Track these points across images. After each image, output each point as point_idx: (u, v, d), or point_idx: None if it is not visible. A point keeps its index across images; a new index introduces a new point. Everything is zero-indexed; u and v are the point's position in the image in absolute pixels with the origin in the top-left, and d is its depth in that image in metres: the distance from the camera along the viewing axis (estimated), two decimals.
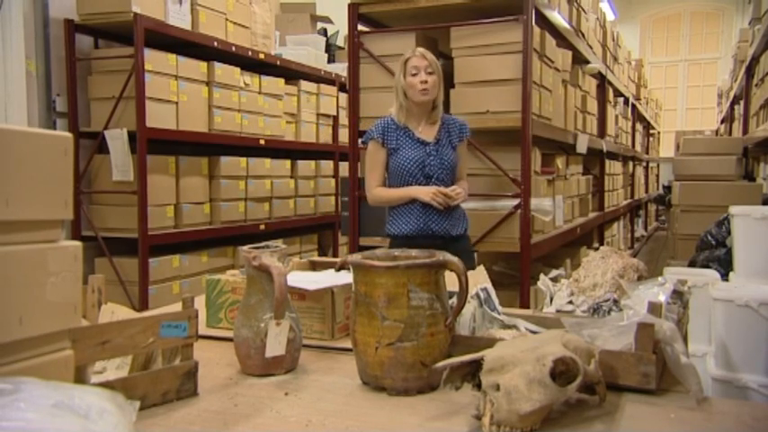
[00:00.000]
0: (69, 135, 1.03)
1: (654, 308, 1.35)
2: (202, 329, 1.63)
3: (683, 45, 14.69)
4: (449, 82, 3.61)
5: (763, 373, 1.98)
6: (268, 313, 1.42)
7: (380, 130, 2.84)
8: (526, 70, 3.37)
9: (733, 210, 2.38)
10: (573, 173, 5.05)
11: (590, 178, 5.86)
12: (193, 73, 4.35)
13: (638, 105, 9.29)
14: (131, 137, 3.94)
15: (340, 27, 6.62)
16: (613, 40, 6.96)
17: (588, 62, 5.36)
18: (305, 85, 5.70)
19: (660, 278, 1.64)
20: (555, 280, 2.00)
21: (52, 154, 0.99)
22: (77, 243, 1.03)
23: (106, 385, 1.12)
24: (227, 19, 4.67)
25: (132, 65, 3.90)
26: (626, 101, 8.06)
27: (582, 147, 4.75)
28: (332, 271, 1.88)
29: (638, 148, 9.80)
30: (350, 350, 1.43)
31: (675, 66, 14.78)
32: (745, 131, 7.16)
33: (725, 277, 2.50)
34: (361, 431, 1.16)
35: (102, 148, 4.05)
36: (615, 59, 7.04)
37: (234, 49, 4.68)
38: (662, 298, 1.49)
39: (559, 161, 4.45)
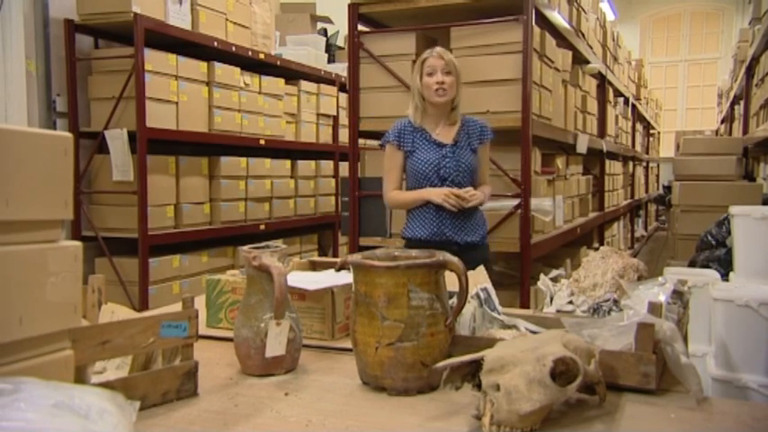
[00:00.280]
0: (69, 135, 1.03)
1: (654, 308, 1.35)
2: (202, 329, 1.63)
3: (683, 45, 14.69)
4: None
5: (763, 373, 1.98)
6: (268, 313, 1.42)
7: (396, 132, 2.80)
8: (526, 70, 3.37)
9: (733, 210, 2.37)
10: (573, 173, 5.06)
11: (590, 178, 5.86)
12: (193, 73, 4.35)
13: (638, 105, 9.29)
14: (131, 137, 3.94)
15: (340, 27, 6.62)
16: (613, 40, 6.96)
17: (588, 62, 5.36)
18: (305, 85, 5.70)
19: (660, 278, 1.64)
20: (555, 280, 2.00)
21: (52, 154, 0.99)
22: (77, 243, 1.03)
23: (106, 385, 1.12)
24: (227, 19, 4.67)
25: (132, 65, 3.90)
26: (626, 101, 8.07)
27: (582, 147, 4.75)
28: (332, 271, 1.88)
29: (639, 148, 9.80)
30: (350, 350, 1.43)
31: (675, 66, 14.78)
32: (746, 131, 7.16)
33: (725, 277, 2.50)
34: (361, 431, 1.16)
35: (103, 148, 4.05)
36: (615, 59, 7.05)
37: (234, 49, 4.68)
38: (662, 298, 1.48)
39: (559, 161, 4.45)
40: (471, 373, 1.18)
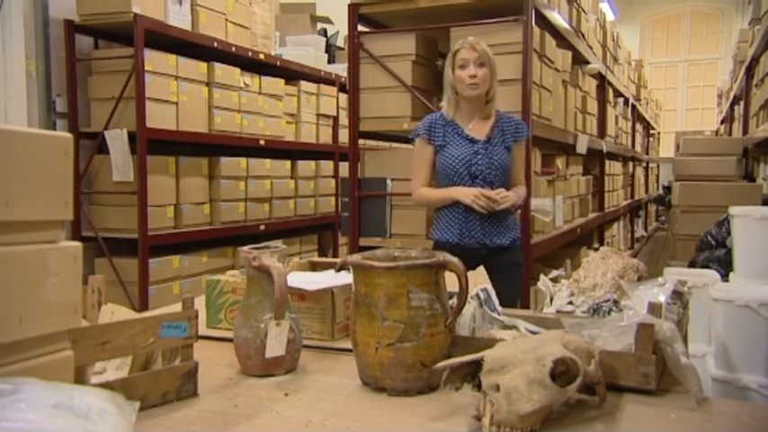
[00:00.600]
0: (69, 135, 1.03)
1: (654, 308, 1.35)
2: (202, 330, 1.63)
3: (683, 45, 14.70)
4: None
5: (762, 373, 1.98)
6: (268, 314, 1.42)
7: (427, 126, 2.69)
8: (526, 71, 3.37)
9: (733, 210, 2.38)
10: (573, 173, 5.06)
11: (590, 179, 5.87)
12: (193, 73, 4.35)
13: (637, 106, 9.29)
14: (131, 137, 3.94)
15: (340, 27, 6.62)
16: (613, 40, 6.97)
17: (588, 62, 5.36)
18: (305, 85, 5.70)
19: (660, 278, 1.64)
20: (555, 280, 2.00)
21: (52, 154, 0.99)
22: (77, 243, 1.03)
23: (106, 386, 1.12)
24: (227, 19, 4.67)
25: (132, 65, 3.90)
26: (626, 101, 8.07)
27: (582, 147, 4.75)
28: (332, 271, 1.88)
29: (638, 148, 9.80)
30: (350, 351, 1.43)
31: (675, 66, 14.79)
32: (745, 132, 7.16)
33: (725, 278, 2.50)
34: (360, 431, 1.16)
35: (103, 148, 4.05)
36: (615, 60, 7.05)
37: (234, 49, 4.68)
38: (662, 298, 1.49)
39: (559, 161, 4.45)
40: (471, 374, 1.18)
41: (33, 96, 3.95)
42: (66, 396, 0.82)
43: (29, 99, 3.91)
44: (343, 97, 5.64)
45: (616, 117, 7.12)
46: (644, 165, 11.14)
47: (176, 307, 1.43)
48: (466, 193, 2.56)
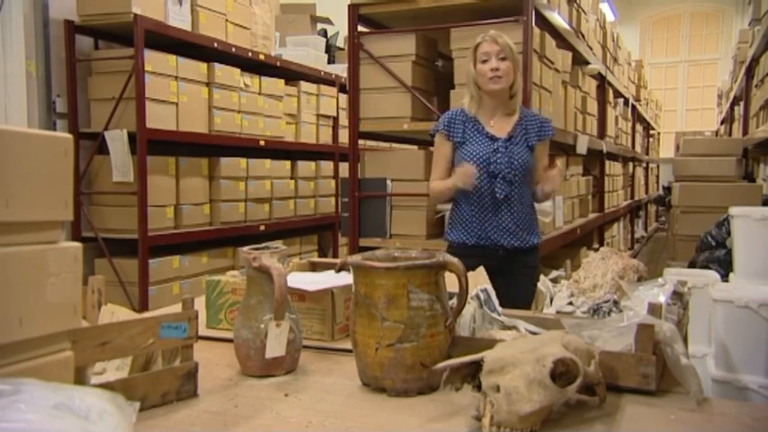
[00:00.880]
0: (69, 136, 1.03)
1: (654, 309, 1.35)
2: (202, 330, 1.63)
3: (683, 46, 14.70)
4: (449, 83, 3.62)
5: (763, 373, 1.98)
6: (268, 314, 1.42)
7: (446, 121, 2.63)
8: (526, 71, 3.37)
9: (733, 211, 2.38)
10: (573, 174, 5.06)
11: (590, 179, 5.87)
12: (193, 74, 4.35)
13: (637, 106, 9.30)
14: (131, 138, 3.94)
15: (340, 28, 6.62)
16: (613, 40, 6.97)
17: (588, 63, 5.37)
18: (305, 85, 5.70)
19: (660, 279, 1.64)
20: (555, 281, 2.00)
21: (52, 155, 0.99)
22: (77, 244, 1.03)
23: (106, 386, 1.12)
24: (227, 20, 4.67)
25: (132, 66, 3.90)
26: (626, 102, 8.07)
27: (582, 148, 4.75)
28: (332, 272, 1.88)
29: (638, 148, 9.81)
30: (350, 351, 1.43)
31: (675, 67, 14.80)
32: (745, 132, 7.16)
33: (725, 278, 2.50)
34: None
35: (102, 148, 4.05)
36: (615, 60, 7.05)
37: (234, 49, 4.68)
38: (662, 299, 1.49)
39: (559, 162, 4.45)
40: (471, 374, 1.18)
41: (33, 97, 3.95)
42: (66, 396, 0.82)
43: (29, 99, 3.91)
44: (343, 98, 5.64)
45: (616, 117, 7.12)
46: (644, 165, 11.15)
47: (176, 307, 1.43)
48: (460, 175, 2.49)
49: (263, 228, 5.03)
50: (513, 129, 2.59)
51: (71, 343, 1.03)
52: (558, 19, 4.09)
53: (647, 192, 11.37)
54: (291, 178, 5.55)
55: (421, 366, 1.30)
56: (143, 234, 3.94)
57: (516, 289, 2.05)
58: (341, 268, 1.46)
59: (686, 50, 14.68)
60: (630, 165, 9.07)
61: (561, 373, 1.14)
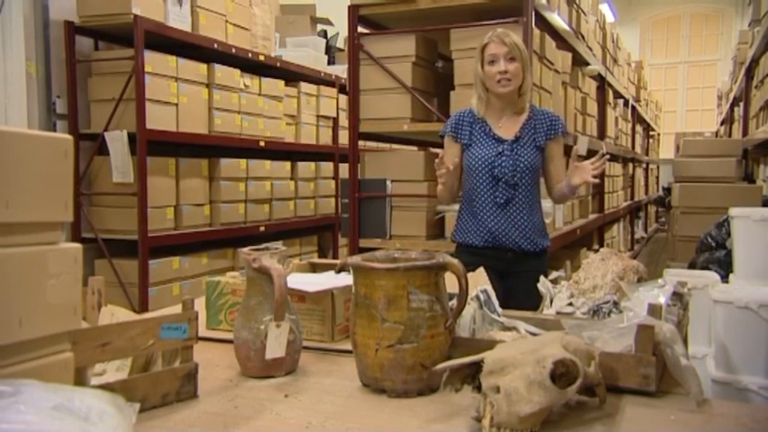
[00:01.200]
0: (69, 137, 1.03)
1: (654, 310, 1.35)
2: (202, 331, 1.63)
3: (683, 47, 14.71)
4: (449, 84, 3.62)
5: (763, 374, 1.97)
6: (268, 315, 1.42)
7: (454, 123, 2.60)
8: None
9: (733, 211, 2.37)
10: None
11: None
12: (193, 75, 4.35)
13: (637, 107, 9.30)
14: (131, 138, 3.94)
15: (340, 29, 6.63)
16: (613, 41, 6.97)
17: (588, 64, 5.37)
18: (305, 86, 5.70)
19: (660, 280, 1.64)
20: (555, 282, 2.00)
21: (52, 156, 1.00)
22: (77, 245, 1.03)
23: (106, 387, 1.12)
24: (226, 21, 4.67)
25: (132, 66, 3.90)
26: (626, 102, 8.07)
27: (582, 148, 4.75)
28: (332, 273, 1.88)
29: (638, 149, 9.81)
30: (350, 352, 1.43)
31: (675, 67, 14.81)
32: (745, 133, 7.16)
33: (725, 279, 2.50)
34: None
35: (102, 149, 4.05)
36: (615, 61, 7.05)
37: (234, 50, 4.68)
38: (662, 300, 1.48)
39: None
40: (471, 375, 1.18)
41: (33, 98, 3.96)
42: (66, 398, 0.82)
43: (29, 100, 3.91)
44: (343, 98, 5.65)
45: (616, 118, 7.12)
46: (644, 166, 11.15)
47: (176, 308, 1.43)
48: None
49: (262, 228, 5.03)
50: (520, 129, 2.55)
51: (71, 344, 1.03)
52: (558, 20, 4.09)
53: (646, 193, 11.37)
54: (291, 179, 5.56)
55: (421, 367, 1.30)
56: (143, 235, 3.94)
57: (524, 292, 2.03)
58: (341, 269, 1.46)
59: (686, 51, 14.69)
60: (630, 165, 9.07)
61: (561, 374, 1.14)
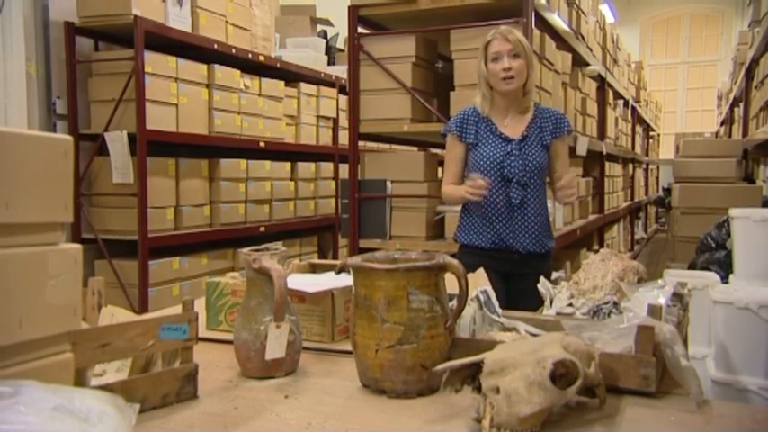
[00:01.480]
0: (69, 138, 1.03)
1: (654, 310, 1.35)
2: (202, 332, 1.63)
3: (683, 47, 14.72)
4: (449, 84, 3.62)
5: (763, 375, 1.98)
6: (268, 315, 1.42)
7: (458, 121, 2.54)
8: None
9: (733, 212, 2.37)
10: (573, 175, 5.04)
11: (590, 180, 5.86)
12: (193, 75, 4.36)
13: (637, 107, 9.30)
14: (131, 139, 3.95)
15: (340, 29, 6.63)
16: (613, 42, 6.97)
17: (588, 64, 5.37)
18: (305, 87, 5.70)
19: (660, 280, 1.64)
20: (555, 282, 2.00)
21: (52, 157, 1.00)
22: (77, 246, 1.03)
23: (106, 388, 1.12)
24: (226, 21, 4.67)
25: (132, 67, 3.90)
26: (626, 103, 8.08)
27: (582, 149, 4.75)
28: (332, 273, 1.88)
29: (638, 150, 9.81)
30: (350, 353, 1.43)
31: (675, 68, 14.81)
32: (745, 134, 7.17)
33: (725, 280, 2.50)
34: None
35: (103, 150, 4.05)
36: (615, 62, 7.05)
37: (234, 51, 4.68)
38: (662, 300, 1.48)
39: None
40: (471, 376, 1.18)
41: (33, 98, 3.96)
42: (65, 398, 0.82)
43: (29, 101, 3.91)
44: (343, 99, 5.65)
45: (616, 119, 7.12)
46: (644, 166, 11.15)
47: (176, 309, 1.43)
48: (462, 191, 2.40)
49: (263, 229, 5.03)
50: (527, 128, 2.51)
51: (71, 345, 1.03)
52: (558, 20, 4.09)
53: (646, 193, 11.38)
54: (291, 179, 5.56)
55: (421, 368, 1.30)
56: (143, 235, 3.94)
57: (529, 295, 2.02)
58: (341, 270, 1.46)
59: (686, 52, 14.69)
60: (630, 166, 9.07)
61: (561, 374, 1.14)
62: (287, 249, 1.54)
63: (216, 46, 4.49)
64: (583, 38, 5.03)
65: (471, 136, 2.54)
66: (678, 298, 1.55)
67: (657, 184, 13.38)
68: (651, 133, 12.16)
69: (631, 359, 1.28)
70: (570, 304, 1.80)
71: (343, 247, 5.95)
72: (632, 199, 9.08)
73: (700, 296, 2.19)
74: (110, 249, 4.07)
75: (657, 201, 12.23)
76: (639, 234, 10.49)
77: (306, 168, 5.75)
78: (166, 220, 4.19)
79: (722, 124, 10.98)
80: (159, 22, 4.05)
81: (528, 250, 2.51)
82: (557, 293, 1.88)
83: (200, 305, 1.52)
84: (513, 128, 2.52)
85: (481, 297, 1.57)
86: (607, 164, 6.55)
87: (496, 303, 1.60)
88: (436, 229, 3.72)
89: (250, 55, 4.87)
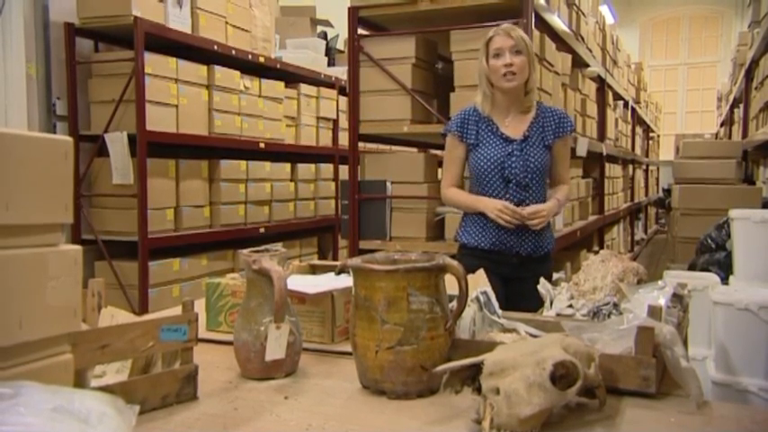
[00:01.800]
0: (69, 139, 1.03)
1: (654, 311, 1.35)
2: (202, 333, 1.63)
3: (683, 48, 14.72)
4: (449, 85, 3.62)
5: (763, 376, 1.98)
6: (268, 317, 1.42)
7: (459, 121, 2.51)
8: None
9: (732, 213, 2.37)
10: (572, 176, 5.05)
11: (590, 181, 5.87)
12: (193, 76, 4.36)
13: (637, 108, 9.30)
14: (131, 140, 3.95)
15: (340, 30, 6.63)
16: (613, 43, 6.97)
17: (588, 65, 5.37)
18: (305, 88, 5.70)
19: (660, 281, 1.64)
20: (555, 283, 2.00)
21: (52, 158, 1.00)
22: (77, 247, 1.03)
23: (106, 389, 1.12)
24: (226, 22, 4.67)
25: (132, 68, 3.91)
26: (626, 104, 8.08)
27: (582, 150, 4.75)
28: (332, 274, 1.88)
29: (638, 151, 9.81)
30: (350, 354, 1.43)
31: (675, 69, 14.81)
32: (745, 135, 7.17)
33: (725, 281, 2.50)
34: None
35: (102, 151, 4.05)
36: (615, 63, 7.05)
37: (234, 52, 4.68)
38: (662, 301, 1.49)
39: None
40: (471, 377, 1.18)
41: (33, 99, 3.96)
42: (65, 399, 0.82)
43: (29, 102, 3.91)
44: (343, 100, 5.65)
45: (616, 120, 7.12)
46: (644, 167, 11.15)
47: (176, 310, 1.43)
48: (491, 207, 2.39)
49: (262, 230, 5.03)
50: (528, 128, 2.48)
51: (71, 346, 1.03)
52: (558, 21, 4.09)
53: (646, 194, 11.38)
54: (291, 180, 5.55)
55: (421, 369, 1.30)
56: (143, 236, 3.94)
57: (528, 297, 2.01)
58: (341, 271, 1.46)
59: (686, 53, 14.70)
60: (630, 167, 9.07)
61: (561, 375, 1.14)
62: (287, 250, 1.55)
63: (216, 47, 4.49)
64: (583, 39, 5.03)
65: (472, 136, 2.51)
66: (678, 299, 1.55)
67: (657, 185, 13.38)
68: (651, 134, 12.16)
69: (631, 360, 1.28)
70: (570, 305, 1.80)
71: (343, 248, 5.94)
72: (632, 200, 9.08)
73: (700, 297, 2.19)
74: (110, 250, 4.07)
75: (657, 202, 12.23)
76: (639, 235, 10.49)
77: (306, 169, 5.75)
78: (166, 221, 4.19)
79: (722, 125, 10.98)
80: (159, 23, 4.05)
81: (529, 253, 2.49)
82: (557, 294, 1.89)
83: (200, 306, 1.52)
84: (514, 128, 2.49)
85: (481, 298, 1.57)
86: (607, 165, 6.55)
87: (496, 304, 1.60)
88: (436, 230, 3.72)
89: (250, 56, 4.87)
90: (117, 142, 3.96)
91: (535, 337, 1.49)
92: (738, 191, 5.42)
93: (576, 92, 4.91)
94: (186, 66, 4.28)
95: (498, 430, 1.08)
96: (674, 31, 14.72)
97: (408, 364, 1.30)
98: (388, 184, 3.72)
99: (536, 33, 3.56)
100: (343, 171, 4.43)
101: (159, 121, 4.06)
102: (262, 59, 5.02)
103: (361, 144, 3.93)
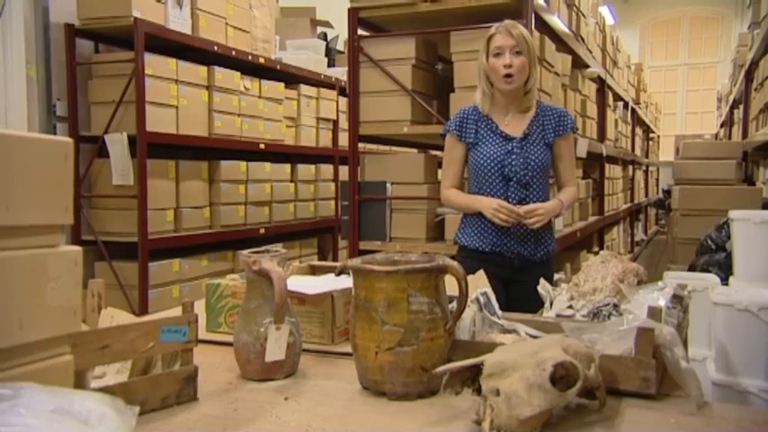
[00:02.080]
0: (69, 140, 1.03)
1: (654, 312, 1.35)
2: (202, 334, 1.63)
3: (683, 49, 14.73)
4: (449, 86, 3.62)
5: (763, 377, 1.98)
6: (268, 318, 1.42)
7: (458, 120, 2.48)
8: None
9: (732, 214, 2.37)
10: None
11: (590, 182, 5.87)
12: (193, 77, 4.36)
13: (637, 109, 9.31)
14: (131, 141, 3.95)
15: (340, 31, 6.63)
16: (613, 44, 6.98)
17: (588, 66, 5.37)
18: (305, 89, 5.70)
19: (660, 282, 1.64)
20: (555, 284, 2.00)
21: (53, 159, 1.00)
22: (77, 248, 1.03)
23: (106, 390, 1.12)
24: (227, 23, 4.68)
25: (132, 69, 3.91)
26: (626, 105, 8.08)
27: (582, 151, 4.75)
28: (332, 275, 1.88)
29: (638, 151, 9.81)
30: (350, 355, 1.43)
31: (675, 70, 14.82)
32: (745, 135, 7.17)
33: (725, 281, 2.50)
34: None
35: (103, 152, 4.05)
36: (615, 64, 7.06)
37: (234, 53, 4.68)
38: (662, 302, 1.49)
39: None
40: (471, 378, 1.18)
41: (34, 100, 3.96)
42: (65, 401, 0.82)
43: (29, 103, 3.91)
44: (343, 101, 5.65)
45: (616, 121, 7.12)
46: (644, 168, 11.15)
47: (176, 311, 1.43)
48: (487, 206, 2.35)
49: (262, 231, 5.03)
50: (528, 126, 2.44)
51: (71, 347, 1.03)
52: (558, 22, 4.10)
53: (646, 195, 11.38)
54: (291, 181, 5.56)
55: (421, 370, 1.30)
56: (143, 237, 3.94)
57: (528, 299, 2.00)
58: (341, 272, 1.46)
59: (686, 54, 14.70)
60: (630, 168, 9.07)
61: (561, 376, 1.14)
62: (287, 251, 1.54)
63: (216, 48, 4.49)
64: (582, 40, 5.03)
65: (471, 135, 2.48)
66: (678, 300, 1.55)
67: (657, 185, 13.38)
68: (651, 135, 12.16)
69: (631, 361, 1.28)
70: (570, 306, 1.80)
71: (343, 248, 5.94)
72: (632, 201, 9.08)
73: (700, 298, 2.19)
74: (110, 251, 4.07)
75: (657, 202, 12.24)
76: (639, 236, 10.49)
77: (306, 170, 5.75)
78: (166, 221, 4.19)
79: (722, 126, 10.99)
80: (159, 24, 4.05)
81: (529, 254, 2.45)
82: (557, 295, 1.89)
83: (199, 307, 1.52)
84: (514, 126, 2.46)
85: (481, 299, 1.57)
86: (607, 165, 6.55)
87: (496, 305, 1.60)
88: (436, 231, 3.72)
89: (250, 57, 4.88)
90: (117, 143, 3.96)
91: (535, 338, 1.49)
92: (738, 192, 5.42)
93: (576, 93, 4.91)
94: (186, 67, 4.28)
95: (498, 431, 1.08)
96: (674, 32, 14.73)
97: (408, 365, 1.30)
98: (388, 184, 3.72)
99: (536, 34, 3.56)
100: (343, 172, 4.43)
101: (159, 121, 4.06)
102: (262, 60, 5.02)
103: (361, 145, 3.93)
